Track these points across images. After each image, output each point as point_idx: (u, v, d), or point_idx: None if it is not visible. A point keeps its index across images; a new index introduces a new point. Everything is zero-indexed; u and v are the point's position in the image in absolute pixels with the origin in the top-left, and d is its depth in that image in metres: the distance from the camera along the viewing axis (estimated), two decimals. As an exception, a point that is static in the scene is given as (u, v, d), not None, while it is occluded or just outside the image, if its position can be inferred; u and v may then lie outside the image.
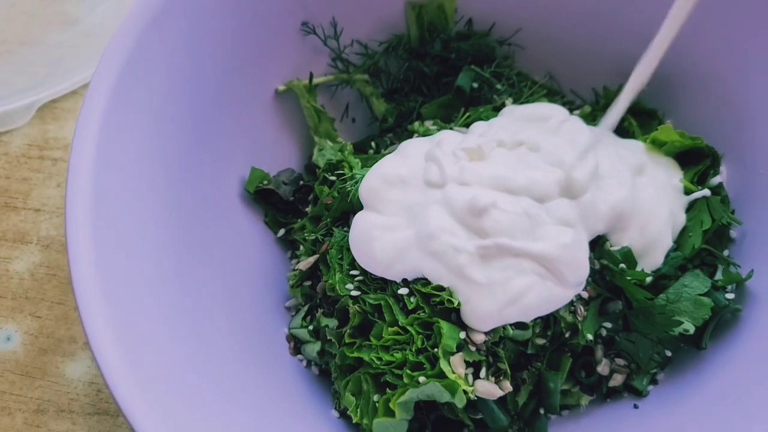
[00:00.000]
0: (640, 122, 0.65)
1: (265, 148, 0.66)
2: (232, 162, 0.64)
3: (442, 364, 0.51)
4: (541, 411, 0.59)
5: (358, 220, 0.57)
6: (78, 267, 0.47)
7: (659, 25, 0.56)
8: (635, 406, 0.59)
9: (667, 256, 0.58)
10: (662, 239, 0.58)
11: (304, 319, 0.61)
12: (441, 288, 0.53)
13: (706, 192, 0.60)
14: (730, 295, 0.58)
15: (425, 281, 0.54)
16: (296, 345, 0.61)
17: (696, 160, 0.62)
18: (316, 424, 0.56)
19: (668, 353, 0.58)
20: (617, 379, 0.58)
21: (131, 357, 0.46)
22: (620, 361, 0.59)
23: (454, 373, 0.51)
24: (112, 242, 0.49)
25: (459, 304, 0.53)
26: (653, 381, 0.59)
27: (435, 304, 0.54)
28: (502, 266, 0.53)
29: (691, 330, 0.56)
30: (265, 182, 0.64)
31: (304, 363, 0.61)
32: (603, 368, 0.58)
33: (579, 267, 0.54)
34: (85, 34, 0.81)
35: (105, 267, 0.48)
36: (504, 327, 0.53)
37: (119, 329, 0.46)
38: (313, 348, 0.59)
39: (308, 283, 0.62)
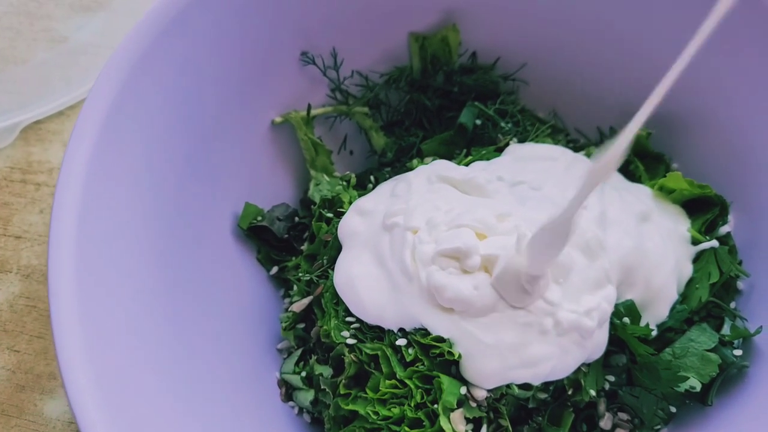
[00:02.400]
0: (646, 166, 0.64)
1: (260, 181, 0.64)
2: (225, 196, 0.61)
3: (442, 422, 0.49)
4: None
5: (340, 266, 0.55)
6: (59, 309, 0.45)
7: (666, 65, 0.56)
8: None
9: (672, 308, 0.57)
10: (667, 291, 0.56)
11: (296, 364, 0.58)
12: (441, 339, 0.51)
13: (714, 243, 0.58)
14: (738, 352, 0.56)
15: (425, 331, 0.52)
16: (288, 391, 0.58)
17: (704, 209, 0.60)
18: None
19: (673, 409, 0.56)
20: None
21: (112, 401, 0.43)
22: (623, 416, 0.57)
23: (454, 431, 0.49)
24: (97, 278, 0.47)
25: (459, 356, 0.51)
26: None
27: (434, 356, 0.51)
28: (514, 324, 0.51)
29: (698, 387, 0.54)
30: (259, 218, 0.61)
31: (296, 410, 0.58)
32: (606, 423, 0.56)
33: (605, 335, 0.53)
34: (73, 53, 0.78)
35: (88, 305, 0.45)
36: (508, 385, 0.51)
37: (100, 372, 0.44)
38: (306, 396, 0.57)
39: (302, 325, 0.59)
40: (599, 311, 0.52)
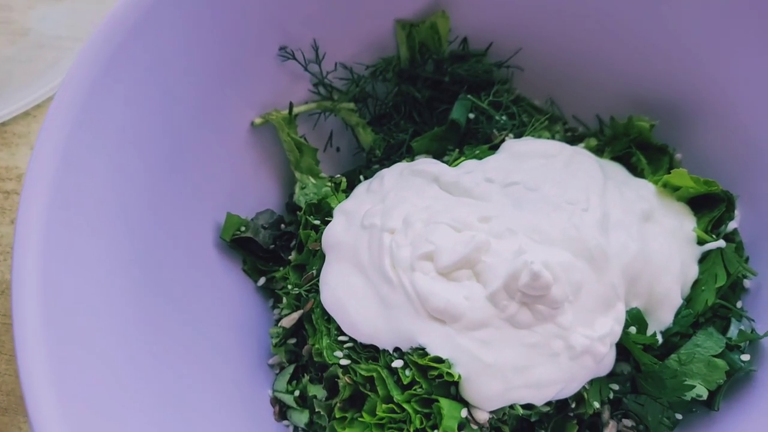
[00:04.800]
0: (649, 158, 0.60)
1: (242, 187, 0.60)
2: (205, 204, 0.58)
3: None
4: None
5: (325, 281, 0.53)
6: (24, 337, 0.41)
7: (664, 49, 0.53)
8: None
9: (677, 313, 0.54)
10: (672, 297, 0.54)
11: (289, 382, 0.56)
12: (439, 360, 0.49)
13: (722, 243, 0.56)
14: (746, 357, 0.54)
15: (422, 351, 0.49)
16: (281, 410, 0.56)
17: (711, 205, 0.57)
18: None
19: (679, 416, 0.55)
20: None
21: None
22: (628, 422, 0.55)
23: None
24: (66, 298, 0.44)
25: (459, 377, 0.48)
26: None
27: (433, 378, 0.49)
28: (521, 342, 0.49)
29: (705, 395, 0.52)
30: (243, 229, 0.58)
31: (291, 429, 0.56)
32: (610, 430, 0.55)
33: (613, 354, 0.52)
34: (37, 47, 0.73)
35: (55, 330, 0.42)
36: (511, 405, 0.49)
37: (70, 403, 0.41)
38: (301, 418, 0.54)
39: (293, 341, 0.57)
40: (612, 336, 0.50)
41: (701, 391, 0.52)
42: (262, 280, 0.60)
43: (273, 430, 0.56)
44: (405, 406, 0.49)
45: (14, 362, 0.62)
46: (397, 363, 0.50)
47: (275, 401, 0.56)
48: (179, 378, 0.50)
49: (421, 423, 0.48)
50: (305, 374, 0.55)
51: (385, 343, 0.50)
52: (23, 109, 0.71)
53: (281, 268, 0.59)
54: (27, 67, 0.73)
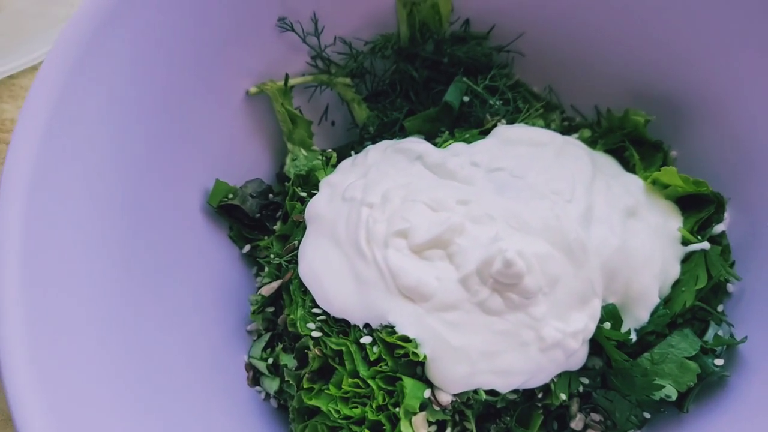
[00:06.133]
0: (642, 154, 0.59)
1: (234, 155, 0.61)
2: (195, 169, 0.58)
3: (403, 426, 0.48)
4: None
5: (303, 254, 0.53)
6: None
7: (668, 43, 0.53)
8: None
9: (653, 312, 0.54)
10: (649, 295, 0.54)
11: (264, 350, 0.57)
12: (407, 339, 0.49)
13: (706, 245, 0.55)
14: (720, 361, 0.54)
15: (391, 329, 0.50)
16: (255, 375, 0.57)
17: (699, 206, 0.57)
18: None
19: (647, 415, 0.55)
20: None
21: (56, 397, 0.41)
22: (596, 416, 0.55)
23: None
24: (45, 257, 0.44)
25: (425, 358, 0.49)
26: None
27: (399, 357, 0.50)
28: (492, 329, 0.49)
29: (674, 396, 0.52)
30: (230, 196, 0.59)
31: (263, 395, 0.57)
32: (577, 423, 0.55)
33: (585, 350, 0.52)
34: (48, 2, 0.74)
35: (34, 291, 0.43)
36: (475, 390, 0.49)
37: (45, 364, 0.42)
38: (272, 385, 0.55)
39: (271, 309, 0.58)
40: (585, 332, 0.50)
41: (670, 392, 0.52)
42: (246, 248, 0.61)
43: (245, 395, 0.57)
44: (370, 382, 0.49)
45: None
46: (366, 339, 0.50)
47: (249, 367, 0.58)
48: (157, 334, 0.51)
49: (384, 399, 0.49)
50: (279, 343, 0.56)
51: (357, 318, 0.51)
52: (31, 63, 0.72)
53: (266, 237, 0.60)
54: (37, 22, 0.73)
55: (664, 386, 0.52)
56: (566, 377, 0.53)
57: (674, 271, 0.55)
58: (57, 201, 0.46)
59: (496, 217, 0.51)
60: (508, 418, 0.53)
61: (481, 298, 0.49)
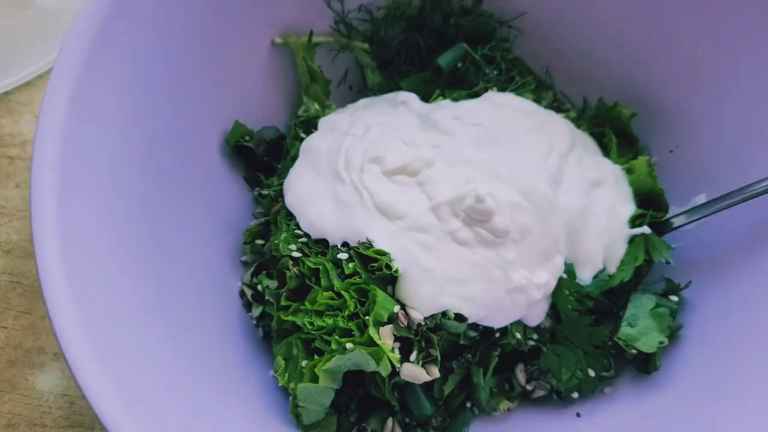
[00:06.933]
0: (619, 144, 0.65)
1: (253, 103, 0.64)
2: (217, 112, 0.62)
3: (371, 331, 0.51)
4: (468, 405, 0.59)
5: (289, 181, 0.57)
6: (40, 219, 0.44)
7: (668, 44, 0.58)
8: (578, 415, 0.59)
9: (595, 276, 0.58)
10: (595, 259, 0.58)
11: (251, 278, 0.60)
12: (382, 253, 0.52)
13: (646, 229, 0.60)
14: (675, 297, 0.59)
15: (368, 245, 0.53)
16: (247, 301, 0.60)
17: (655, 208, 0.62)
18: (250, 385, 0.56)
19: (591, 373, 0.58)
20: (539, 393, 0.59)
21: (86, 301, 0.44)
22: (543, 377, 0.60)
23: (381, 343, 0.50)
24: (80, 185, 0.47)
25: (397, 271, 0.52)
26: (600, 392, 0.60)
27: (373, 271, 0.53)
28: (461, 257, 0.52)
29: (666, 341, 0.56)
30: (247, 138, 0.63)
31: (255, 321, 0.60)
32: (521, 378, 0.59)
33: (546, 306, 0.57)
34: (38, 20, 0.76)
35: (69, 216, 0.46)
36: (444, 312, 0.52)
37: (75, 271, 0.44)
38: (256, 310, 0.59)
39: (260, 242, 0.61)
40: (547, 288, 0.55)
41: (662, 339, 0.56)
42: (257, 191, 0.64)
43: (242, 319, 0.60)
44: (343, 293, 0.53)
45: (21, 318, 0.65)
46: (342, 255, 0.54)
47: (242, 293, 0.61)
48: (170, 260, 0.54)
49: (355, 307, 0.52)
50: (265, 270, 0.60)
51: (335, 237, 0.55)
52: (26, 79, 0.73)
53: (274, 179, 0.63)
54: (29, 39, 0.75)
55: (607, 332, 0.58)
56: (521, 325, 0.57)
57: (621, 250, 0.60)
58: (92, 135, 0.50)
59: (471, 163, 0.54)
60: (469, 356, 0.57)
61: (452, 228, 0.53)
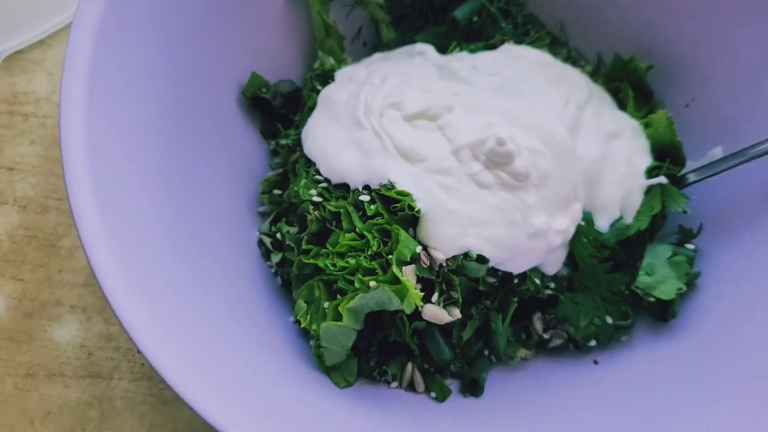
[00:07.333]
0: (636, 98, 0.64)
1: (269, 55, 0.64)
2: (233, 65, 0.62)
3: (395, 269, 0.51)
4: (486, 352, 0.59)
5: (308, 129, 0.58)
6: (71, 160, 0.45)
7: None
8: (595, 362, 0.59)
9: (612, 224, 0.59)
10: (613, 207, 0.58)
11: (270, 227, 0.60)
12: (404, 194, 0.52)
13: (663, 179, 0.60)
14: (691, 246, 0.59)
15: (390, 186, 0.53)
16: (267, 250, 0.60)
17: (672, 160, 0.62)
18: (273, 331, 0.56)
19: (609, 320, 0.58)
20: (555, 342, 0.60)
21: (120, 244, 0.45)
22: (561, 326, 0.60)
23: (405, 280, 0.50)
24: (108, 126, 0.48)
25: (419, 211, 0.52)
26: (617, 341, 0.60)
27: (395, 211, 0.53)
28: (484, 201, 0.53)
29: (684, 288, 0.57)
30: (263, 90, 0.63)
31: (273, 270, 0.60)
32: (538, 327, 0.60)
33: (564, 254, 0.58)
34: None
35: (99, 151, 0.46)
36: (466, 254, 0.52)
37: (108, 209, 0.45)
38: (276, 257, 0.59)
39: (278, 191, 0.61)
40: (566, 234, 0.55)
41: (680, 285, 0.57)
42: (273, 143, 0.65)
43: (260, 268, 0.60)
44: (366, 233, 0.53)
45: (37, 271, 0.65)
46: (364, 197, 0.54)
47: (260, 243, 0.61)
48: (196, 202, 0.55)
49: (378, 247, 0.52)
50: (284, 218, 0.60)
51: (357, 181, 0.55)
52: (38, 37, 0.73)
53: (291, 131, 0.64)
54: (41, -1, 0.75)
55: (625, 280, 0.58)
56: (539, 272, 0.57)
57: (637, 200, 0.60)
58: (118, 77, 0.50)
59: (491, 108, 0.54)
60: (488, 302, 0.57)
61: (473, 171, 0.53)
